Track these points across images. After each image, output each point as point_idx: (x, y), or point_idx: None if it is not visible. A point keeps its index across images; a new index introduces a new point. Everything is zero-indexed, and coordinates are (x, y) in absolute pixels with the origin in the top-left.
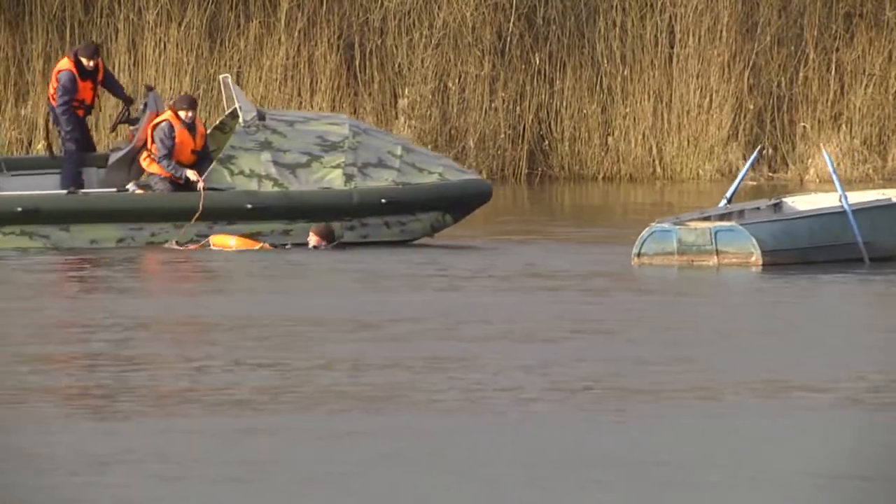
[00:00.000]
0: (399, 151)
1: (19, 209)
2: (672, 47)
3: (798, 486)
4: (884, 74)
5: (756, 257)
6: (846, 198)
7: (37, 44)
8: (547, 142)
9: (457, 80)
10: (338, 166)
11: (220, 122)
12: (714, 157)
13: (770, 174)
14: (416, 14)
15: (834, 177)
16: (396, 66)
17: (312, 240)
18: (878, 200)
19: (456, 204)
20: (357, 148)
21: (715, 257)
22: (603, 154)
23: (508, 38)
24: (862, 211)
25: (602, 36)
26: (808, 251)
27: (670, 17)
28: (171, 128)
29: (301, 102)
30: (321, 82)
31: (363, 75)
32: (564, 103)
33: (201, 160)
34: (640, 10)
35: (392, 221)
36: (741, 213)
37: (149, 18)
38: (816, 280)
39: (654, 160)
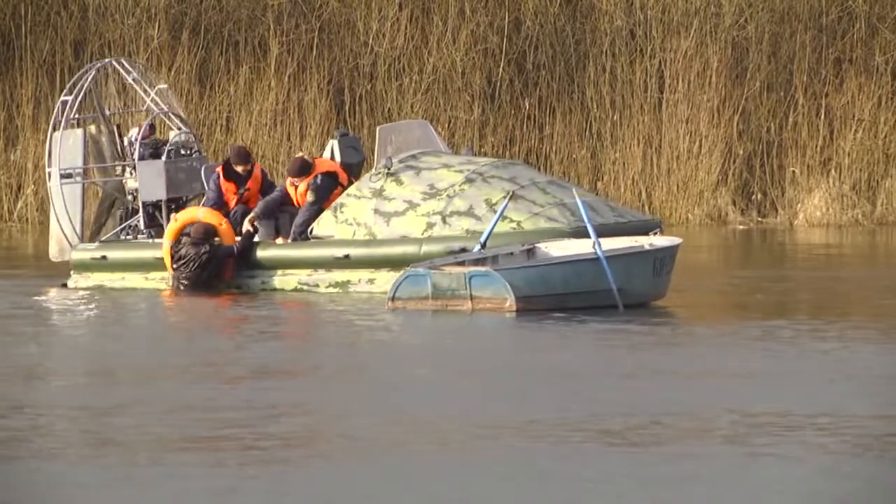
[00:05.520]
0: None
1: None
2: (661, 92)
3: None
4: (873, 120)
5: (510, 303)
6: (599, 245)
7: (27, 88)
8: None
9: (446, 125)
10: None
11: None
12: (703, 202)
13: (759, 219)
14: (405, 59)
15: (588, 224)
16: (386, 110)
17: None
18: (630, 248)
19: None
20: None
21: (469, 302)
22: None
23: (498, 84)
24: (615, 258)
25: (592, 81)
26: (562, 297)
27: (660, 62)
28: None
29: (290, 147)
30: (311, 127)
31: (353, 120)
32: (554, 148)
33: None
34: (630, 56)
35: None
36: (495, 258)
37: (139, 63)
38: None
39: (643, 205)
